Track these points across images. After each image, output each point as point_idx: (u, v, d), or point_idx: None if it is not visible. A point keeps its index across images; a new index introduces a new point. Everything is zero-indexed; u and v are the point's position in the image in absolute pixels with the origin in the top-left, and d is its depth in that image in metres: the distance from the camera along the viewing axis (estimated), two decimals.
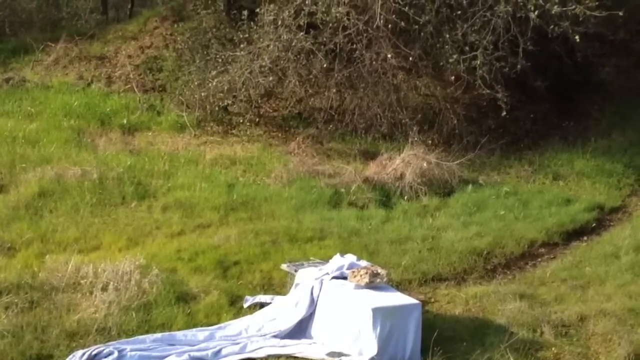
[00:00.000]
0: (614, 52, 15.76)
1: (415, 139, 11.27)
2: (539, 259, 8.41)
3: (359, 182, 10.12)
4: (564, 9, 9.86)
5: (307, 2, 11.03)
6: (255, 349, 5.65)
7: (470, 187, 10.45)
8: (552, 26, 10.25)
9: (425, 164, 10.57)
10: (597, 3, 9.70)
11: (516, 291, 6.94)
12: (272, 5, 11.31)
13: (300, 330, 5.94)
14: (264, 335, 5.85)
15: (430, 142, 11.52)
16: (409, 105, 12.60)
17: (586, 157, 11.97)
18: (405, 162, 10.63)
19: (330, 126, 11.97)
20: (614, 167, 11.74)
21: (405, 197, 9.99)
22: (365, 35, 11.19)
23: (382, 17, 10.56)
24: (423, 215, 9.44)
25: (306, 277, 6.11)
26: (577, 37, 10.13)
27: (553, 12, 9.88)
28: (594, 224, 9.66)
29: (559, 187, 11.01)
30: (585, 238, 9.21)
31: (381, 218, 9.17)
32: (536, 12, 9.98)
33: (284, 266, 6.61)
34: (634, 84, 15.04)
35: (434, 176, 10.48)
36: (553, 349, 5.78)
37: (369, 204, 9.71)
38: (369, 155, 11.31)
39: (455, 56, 10.81)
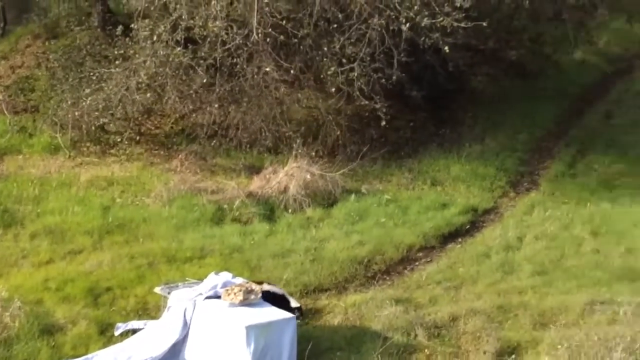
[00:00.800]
0: (484, 61, 16.64)
1: (299, 151, 11.32)
2: (417, 263, 8.68)
3: (243, 197, 10.07)
4: (433, 21, 10.23)
5: (183, 17, 10.86)
6: None
7: (353, 196, 10.64)
8: (423, 38, 10.62)
9: (309, 176, 10.67)
10: (463, 15, 10.12)
11: (393, 296, 7.12)
12: (147, 21, 11.06)
13: (174, 354, 5.79)
14: None
15: (314, 153, 11.62)
16: (292, 118, 12.71)
17: (461, 162, 12.49)
18: (289, 175, 10.69)
19: (214, 142, 11.84)
20: (486, 170, 12.31)
21: (290, 210, 10.03)
22: (245, 49, 11.17)
23: (259, 31, 10.56)
24: (307, 227, 9.52)
25: (179, 299, 5.97)
26: (446, 48, 10.52)
27: (423, 24, 10.24)
28: (468, 226, 10.09)
29: (436, 192, 11.38)
30: (460, 240, 9.61)
31: (264, 232, 9.16)
32: (407, 25, 10.31)
33: (157, 289, 6.43)
34: (504, 91, 15.95)
35: (318, 187, 10.59)
36: (426, 350, 5.97)
37: (253, 218, 9.68)
38: (254, 170, 11.29)
39: (333, 68, 10.99)
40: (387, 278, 8.18)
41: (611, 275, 8.04)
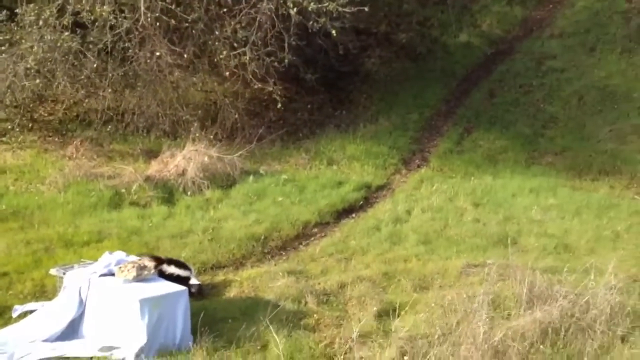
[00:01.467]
0: (377, 44, 17.28)
1: (197, 135, 11.43)
2: (312, 238, 9.09)
3: (141, 181, 10.12)
4: (320, 5, 10.59)
5: (70, 1, 10.69)
6: (24, 355, 5.53)
7: (251, 177, 10.92)
8: (311, 22, 10.97)
9: (206, 159, 10.83)
10: (346, 1, 10.53)
11: (287, 269, 7.49)
12: (32, 5, 10.78)
13: (73, 331, 5.92)
14: (34, 341, 5.75)
15: (212, 137, 11.77)
16: (189, 102, 12.79)
17: (356, 142, 13.03)
18: (187, 158, 10.81)
19: (110, 127, 11.77)
20: (380, 149, 12.91)
21: (188, 193, 10.18)
22: (136, 34, 11.14)
23: (149, 15, 10.57)
24: (205, 209, 9.71)
25: (74, 279, 6.09)
26: (334, 31, 10.91)
27: (310, 8, 10.58)
28: (361, 202, 10.64)
29: (332, 171, 11.86)
30: (353, 215, 10.12)
31: (163, 215, 9.28)
32: (295, 9, 10.61)
33: (52, 271, 6.50)
34: (396, 72, 16.64)
35: (216, 170, 10.79)
36: (315, 315, 6.37)
37: (151, 202, 9.76)
38: (152, 154, 11.32)
39: (225, 52, 11.15)
40: (283, 253, 8.53)
41: (488, 242, 8.76)
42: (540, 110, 14.61)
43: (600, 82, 15.12)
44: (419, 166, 12.73)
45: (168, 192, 10.08)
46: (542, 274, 6.49)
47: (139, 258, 6.25)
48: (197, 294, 6.80)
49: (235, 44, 11.28)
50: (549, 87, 15.27)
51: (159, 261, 6.74)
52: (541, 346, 4.90)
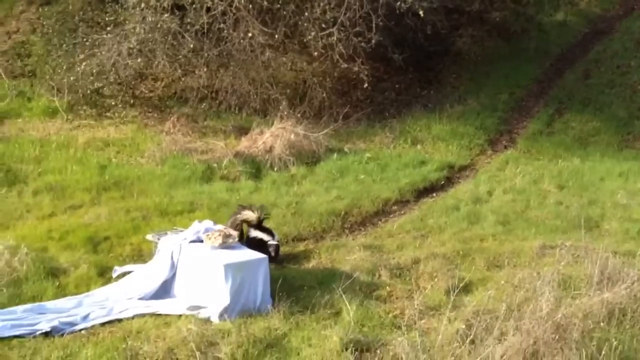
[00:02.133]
0: (469, 23, 17.04)
1: (285, 113, 11.89)
2: (391, 215, 9.33)
3: (231, 156, 10.69)
4: None
5: None
6: (122, 310, 6.16)
7: (335, 155, 11.26)
8: (399, 2, 11.09)
9: (293, 136, 11.26)
10: None
11: (364, 243, 7.80)
12: None
13: (165, 291, 6.51)
14: (130, 299, 6.37)
15: (300, 115, 12.17)
16: (279, 81, 13.26)
17: (442, 122, 13.03)
18: (275, 135, 11.28)
19: (204, 104, 12.44)
20: (466, 130, 12.87)
21: (275, 169, 10.66)
22: (231, 15, 11.67)
23: None
24: (290, 184, 10.16)
25: (168, 244, 6.67)
26: (421, 12, 11.00)
27: None
28: (443, 182, 10.71)
29: (416, 151, 11.98)
30: (434, 194, 10.24)
31: (250, 189, 9.80)
32: None
33: (148, 236, 7.12)
34: (488, 52, 16.40)
35: (302, 147, 11.20)
36: (387, 287, 6.66)
37: (240, 176, 10.31)
38: (243, 131, 11.86)
39: (313, 33, 11.48)
40: (362, 229, 8.83)
41: (569, 224, 8.68)
42: (637, 92, 14.04)
43: None
44: (505, 147, 12.62)
45: (256, 168, 10.59)
46: (619, 257, 6.46)
47: (225, 227, 6.75)
48: (275, 255, 7.24)
49: (324, 25, 11.58)
50: None
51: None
52: (602, 324, 4.96)
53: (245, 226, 7.54)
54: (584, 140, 12.73)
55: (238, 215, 7.48)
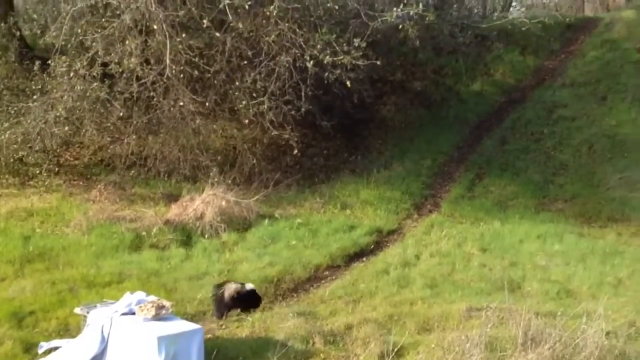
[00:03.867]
0: (393, 92, 17.89)
1: (216, 179, 11.93)
2: (323, 281, 9.43)
3: (160, 224, 10.60)
4: (335, 58, 11.16)
5: (99, 54, 11.39)
6: None
7: (266, 221, 11.34)
8: (327, 73, 11.53)
9: (224, 203, 11.30)
10: (360, 54, 11.09)
11: (297, 310, 7.82)
12: (64, 57, 11.51)
13: None
14: None
15: (230, 181, 12.26)
16: (210, 147, 13.36)
17: (370, 187, 13.42)
18: (206, 202, 11.29)
19: (133, 172, 12.34)
20: (393, 194, 13.28)
21: (206, 236, 10.62)
22: (161, 83, 11.78)
23: (174, 67, 11.20)
24: (221, 251, 10.14)
25: (97, 317, 6.50)
26: (348, 82, 11.46)
27: (326, 61, 11.15)
28: (372, 246, 10.97)
29: (345, 216, 12.23)
30: (364, 259, 10.44)
31: (181, 257, 9.72)
32: (311, 62, 11.19)
33: (77, 310, 6.91)
34: (411, 119, 17.13)
35: (233, 213, 11.24)
36: (322, 355, 6.68)
37: (170, 244, 10.20)
38: (173, 198, 11.81)
39: (244, 102, 11.72)
40: (294, 295, 8.87)
41: (492, 286, 9.02)
42: (550, 158, 14.92)
43: (611, 131, 15.44)
44: (430, 211, 13.05)
45: (186, 235, 10.52)
46: (541, 318, 6.76)
47: (158, 298, 6.66)
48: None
49: (255, 94, 11.85)
50: (560, 135, 15.60)
51: None
52: None
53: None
54: (503, 204, 13.31)
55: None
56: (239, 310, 7.92)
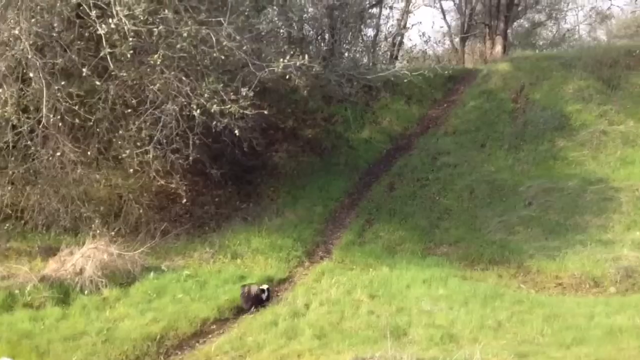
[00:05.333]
0: (285, 139, 18.04)
1: (98, 231, 11.46)
2: (210, 336, 9.18)
3: (35, 281, 10.02)
4: (223, 107, 11.10)
5: None
6: None
7: (152, 274, 10.96)
8: (215, 122, 11.43)
9: (106, 256, 10.85)
10: (249, 102, 11.09)
11: None
12: None
13: None
14: None
15: (114, 233, 11.79)
16: (92, 197, 12.82)
17: (262, 235, 13.29)
18: (86, 256, 10.79)
19: (8, 225, 11.64)
20: (284, 242, 13.21)
21: (85, 292, 10.13)
22: (39, 132, 11.23)
23: (52, 116, 10.73)
24: (102, 309, 9.68)
25: None
26: (237, 131, 11.40)
27: (213, 110, 11.06)
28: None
29: (236, 265, 12.03)
30: (253, 310, 10.25)
31: (57, 316, 9.20)
32: (199, 111, 11.06)
33: None
34: (303, 166, 17.27)
35: (116, 267, 10.81)
36: None
37: (46, 303, 9.66)
38: (51, 252, 11.23)
39: (128, 151, 11.37)
40: (179, 353, 8.57)
41: (380, 334, 9.07)
42: (435, 203, 15.44)
43: (490, 177, 16.22)
44: (321, 258, 13.08)
45: (64, 292, 10.01)
46: None
47: None
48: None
49: (139, 142, 11.54)
50: (444, 181, 16.22)
51: None
52: None
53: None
54: (392, 249, 13.55)
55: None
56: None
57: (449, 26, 30.82)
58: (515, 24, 31.17)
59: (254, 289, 10.32)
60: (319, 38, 17.52)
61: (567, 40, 35.28)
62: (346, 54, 17.83)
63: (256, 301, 10.24)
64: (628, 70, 19.40)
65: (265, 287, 10.50)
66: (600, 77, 19.31)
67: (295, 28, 16.35)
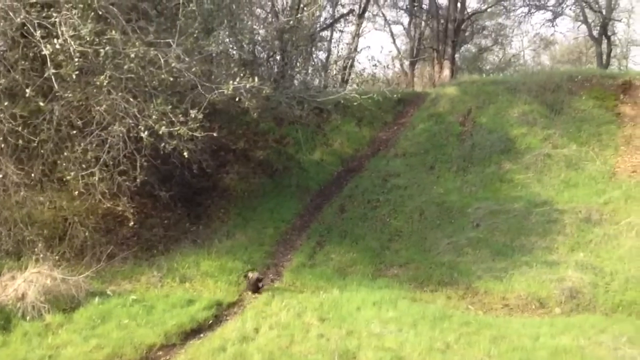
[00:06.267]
0: (236, 160, 17.97)
1: (42, 255, 11.15)
2: None
3: None
4: (171, 129, 10.98)
5: None
6: None
7: (97, 299, 10.67)
8: (163, 144, 11.29)
9: (49, 281, 10.53)
10: (198, 124, 11.00)
11: None
12: None
13: None
14: None
15: (58, 257, 11.51)
16: (36, 220, 12.47)
17: (211, 258, 13.14)
18: (28, 281, 10.45)
19: None
20: (235, 265, 13.09)
21: (27, 318, 9.79)
22: None
23: None
24: (44, 335, 9.36)
25: None
26: (185, 153, 11.28)
27: (161, 132, 10.93)
28: (211, 321, 10.62)
29: (184, 289, 11.83)
30: (201, 335, 10.07)
31: None
32: (146, 132, 10.91)
33: None
34: (254, 187, 17.22)
35: (60, 292, 10.49)
36: None
37: None
38: None
39: (73, 173, 11.13)
40: None
41: (329, 358, 9.05)
42: (386, 225, 15.56)
43: (439, 198, 16.46)
44: (272, 281, 12.98)
45: (5, 319, 9.66)
46: None
47: None
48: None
49: (85, 164, 11.30)
50: (394, 202, 16.38)
51: None
52: None
53: None
54: (343, 271, 13.56)
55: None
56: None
57: (398, 50, 31.48)
58: (462, 48, 32.02)
59: (254, 277, 12.14)
60: (270, 60, 17.56)
61: (513, 65, 36.41)
62: (297, 76, 17.91)
63: (256, 287, 11.97)
64: (570, 95, 20.04)
65: (260, 276, 12.36)
66: (544, 101, 19.90)
67: (246, 50, 16.35)
